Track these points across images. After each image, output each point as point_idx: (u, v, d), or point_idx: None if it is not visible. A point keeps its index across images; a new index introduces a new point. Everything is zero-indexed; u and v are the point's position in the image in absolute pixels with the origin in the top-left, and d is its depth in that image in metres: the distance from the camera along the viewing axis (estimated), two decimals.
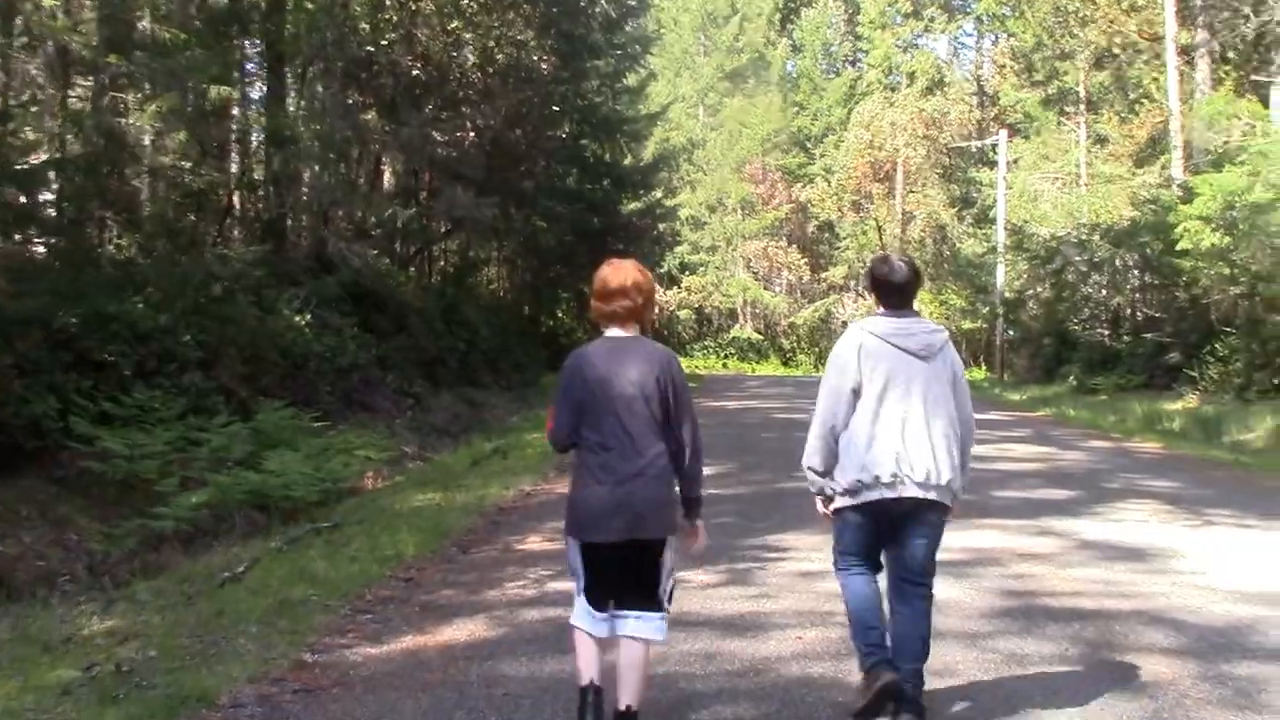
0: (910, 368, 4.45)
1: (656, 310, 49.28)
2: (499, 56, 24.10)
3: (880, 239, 49.93)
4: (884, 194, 50.48)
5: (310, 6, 19.01)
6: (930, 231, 49.91)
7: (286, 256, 18.72)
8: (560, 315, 33.65)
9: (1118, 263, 27.83)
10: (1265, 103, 24.33)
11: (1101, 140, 35.61)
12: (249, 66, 21.57)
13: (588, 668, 4.25)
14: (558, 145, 27.98)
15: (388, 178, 26.24)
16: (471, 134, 23.89)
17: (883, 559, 4.65)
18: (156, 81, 14.34)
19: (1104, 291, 29.05)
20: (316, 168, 20.03)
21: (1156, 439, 17.22)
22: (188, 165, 15.48)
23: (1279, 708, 4.75)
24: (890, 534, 4.52)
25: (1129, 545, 8.26)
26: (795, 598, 6.59)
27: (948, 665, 5.28)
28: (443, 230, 26.20)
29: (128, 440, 10.51)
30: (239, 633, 5.84)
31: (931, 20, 52.58)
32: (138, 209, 16.22)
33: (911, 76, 51.79)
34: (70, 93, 14.84)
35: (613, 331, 4.28)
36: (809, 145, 55.43)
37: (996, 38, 50.49)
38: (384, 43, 20.85)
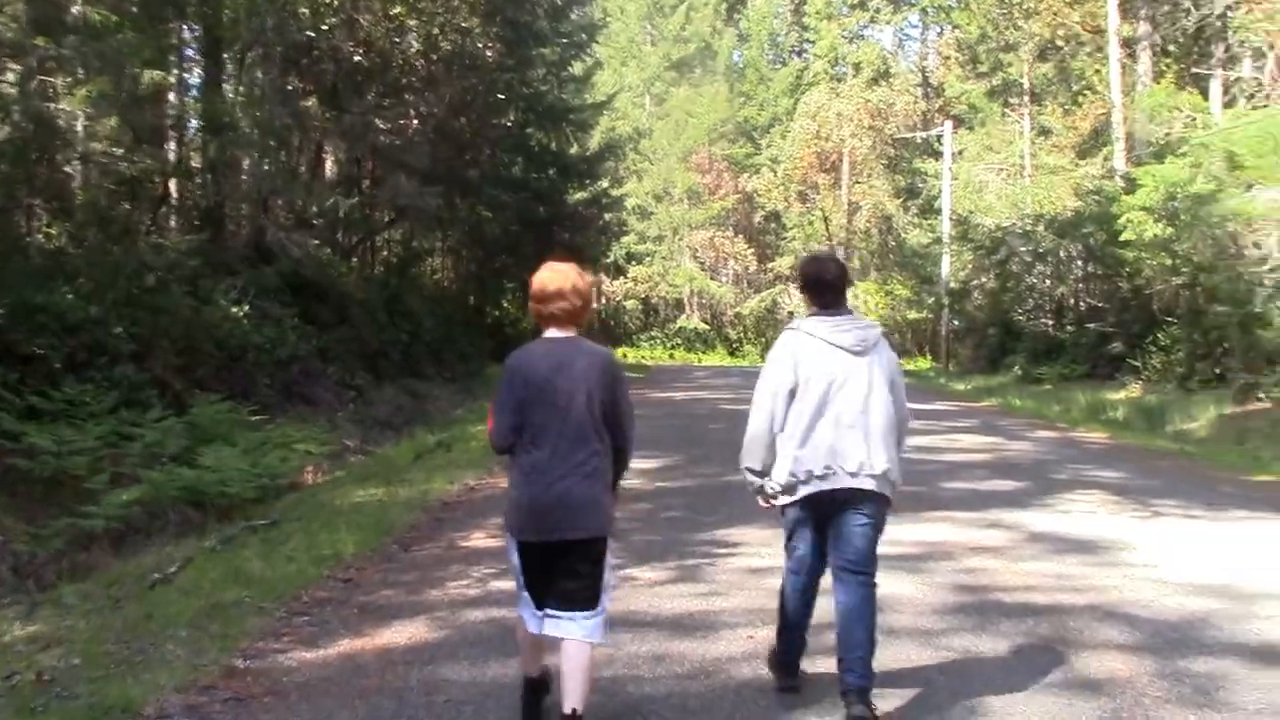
0: (846, 364, 4.51)
1: (603, 301, 49.13)
2: (443, 44, 23.73)
3: (826, 229, 50.06)
4: (830, 184, 50.59)
5: None
6: (876, 222, 50.15)
7: (224, 246, 18.28)
8: (506, 305, 33.33)
9: (1062, 253, 28.06)
10: (1205, 95, 24.60)
11: (1045, 131, 35.93)
12: (187, 52, 21.09)
13: (530, 662, 4.39)
14: (503, 134, 27.68)
15: (330, 166, 25.78)
16: (415, 122, 23.53)
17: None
18: (88, 65, 13.89)
19: (1048, 282, 29.29)
20: (255, 155, 19.56)
21: (1101, 429, 17.33)
22: (120, 152, 14.99)
23: (1238, 705, 4.67)
24: (829, 527, 4.55)
25: (1079, 537, 8.21)
26: (745, 595, 6.45)
27: (902, 664, 5.16)
28: (386, 220, 25.79)
29: (56, 436, 10.12)
30: (168, 638, 5.60)
31: (877, 11, 52.76)
32: (69, 197, 15.72)
33: (857, 67, 51.96)
34: None
35: (551, 332, 4.33)
36: (755, 135, 55.48)
37: (942, 29, 50.82)
38: (325, 28, 20.36)
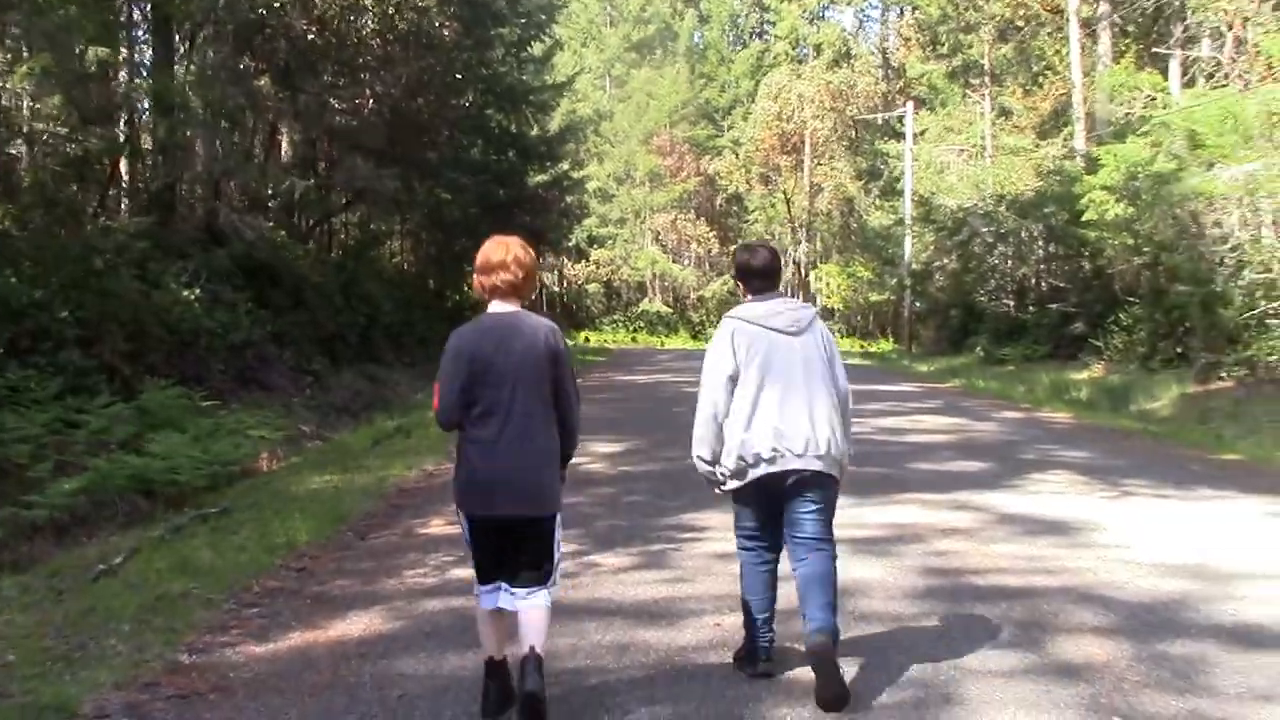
0: (782, 346, 4.61)
1: (565, 285, 48.91)
2: (399, 23, 23.30)
3: (789, 211, 50.05)
4: (792, 166, 50.57)
5: None
6: (838, 204, 50.16)
7: (175, 228, 17.85)
8: (466, 289, 32.99)
9: (1023, 234, 28.09)
10: (1165, 74, 24.62)
11: (1006, 112, 36.02)
12: (139, 33, 20.61)
13: (492, 645, 4.29)
14: (461, 115, 27.28)
15: (285, 148, 25.29)
16: (371, 102, 23.13)
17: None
18: (31, 42, 13.46)
19: (1010, 262, 29.33)
20: (207, 136, 19.12)
21: (1066, 409, 17.32)
22: (64, 131, 14.55)
23: (1219, 689, 4.53)
24: (780, 509, 4.59)
25: (1049, 519, 8.10)
26: (712, 580, 6.27)
27: (872, 650, 5.00)
28: (343, 202, 25.39)
29: None
30: (110, 632, 5.38)
31: None
32: (14, 178, 15.27)
33: (818, 49, 51.94)
34: None
35: (495, 306, 4.32)
36: (717, 117, 55.43)
37: (902, 10, 50.79)
38: (277, 5, 19.92)
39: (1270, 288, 16.56)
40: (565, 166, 35.00)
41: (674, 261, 53.33)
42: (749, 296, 4.83)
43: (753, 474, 4.52)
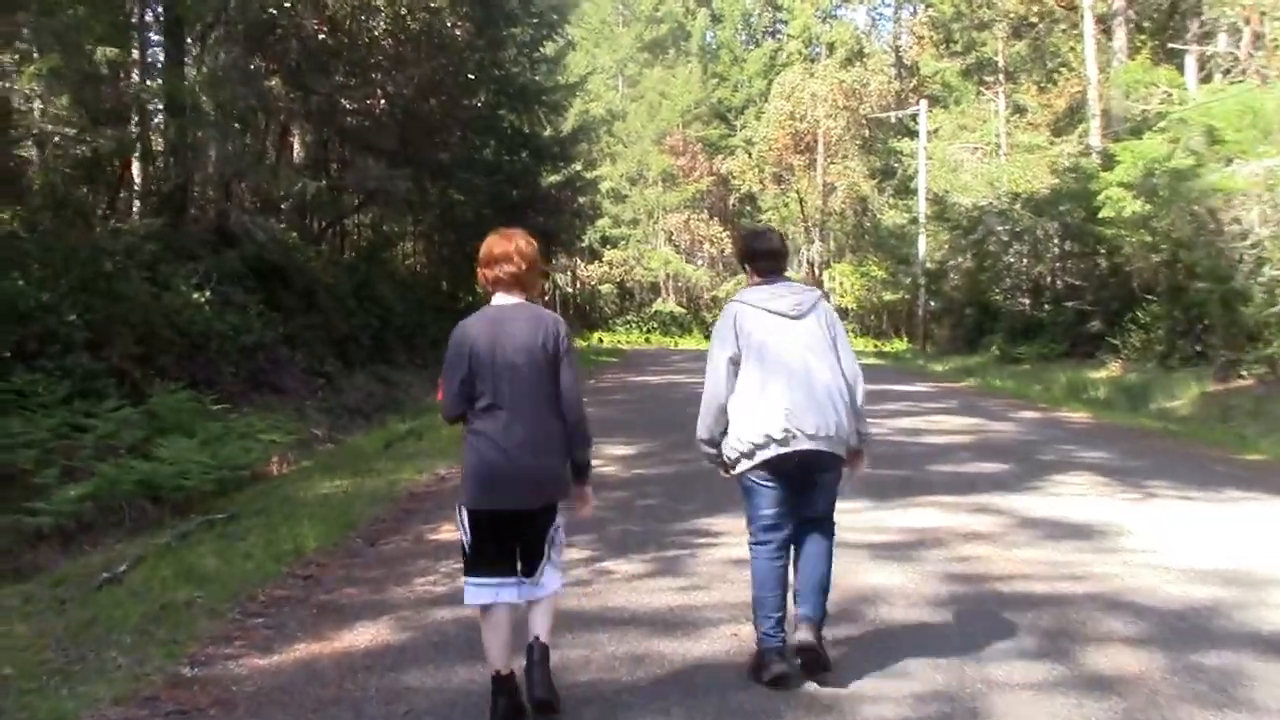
0: (785, 329, 4.63)
1: (579, 285, 48.79)
2: (411, 23, 23.20)
3: (802, 211, 49.83)
4: (805, 165, 50.35)
5: None
6: (851, 203, 49.93)
7: (185, 230, 17.75)
8: (479, 290, 32.86)
9: (1039, 232, 27.84)
10: (1181, 70, 24.36)
11: (1020, 110, 35.73)
12: (150, 34, 20.50)
13: (498, 656, 4.20)
14: (474, 115, 27.15)
15: (296, 148, 25.21)
16: (383, 103, 23.04)
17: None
18: (40, 42, 13.36)
19: (1025, 261, 29.10)
20: (218, 137, 19.02)
21: (1084, 408, 17.10)
22: (73, 132, 14.45)
23: (1260, 704, 4.35)
24: (792, 488, 4.60)
25: (1073, 522, 7.90)
26: (728, 588, 6.09)
27: (896, 661, 4.83)
28: (355, 203, 25.29)
29: (3, 428, 9.66)
30: (112, 643, 5.27)
31: None
32: (23, 179, 15.18)
33: (831, 47, 51.72)
34: None
35: (499, 299, 4.32)
36: (730, 117, 55.24)
37: (915, 8, 50.58)
38: (288, 5, 19.84)
39: None
40: (578, 167, 34.86)
41: (687, 262, 53.15)
42: (755, 279, 4.85)
43: (764, 454, 4.52)
